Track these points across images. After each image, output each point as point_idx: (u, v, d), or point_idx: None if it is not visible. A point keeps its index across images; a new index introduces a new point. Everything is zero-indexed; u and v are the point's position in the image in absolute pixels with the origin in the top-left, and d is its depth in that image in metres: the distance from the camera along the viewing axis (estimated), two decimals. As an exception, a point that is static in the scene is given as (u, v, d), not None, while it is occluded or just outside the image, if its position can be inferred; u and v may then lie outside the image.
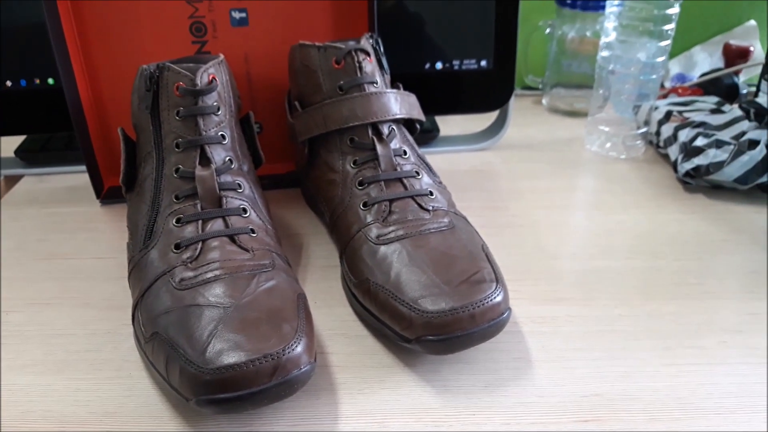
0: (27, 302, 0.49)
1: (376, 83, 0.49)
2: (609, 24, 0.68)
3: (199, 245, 0.42)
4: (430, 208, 0.47)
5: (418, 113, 0.52)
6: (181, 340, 0.36)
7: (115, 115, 0.62)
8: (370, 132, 0.49)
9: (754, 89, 0.84)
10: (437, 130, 0.75)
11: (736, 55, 0.83)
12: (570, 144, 0.76)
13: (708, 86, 0.81)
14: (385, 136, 0.49)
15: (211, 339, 0.36)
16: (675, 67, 0.89)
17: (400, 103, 0.50)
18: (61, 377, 0.42)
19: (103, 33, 0.59)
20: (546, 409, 0.39)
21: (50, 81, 0.65)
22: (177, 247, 0.42)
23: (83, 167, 0.69)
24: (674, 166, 0.66)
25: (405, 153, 0.49)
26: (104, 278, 0.52)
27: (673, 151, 0.67)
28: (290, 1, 0.60)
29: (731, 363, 0.42)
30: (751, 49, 0.83)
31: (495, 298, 0.40)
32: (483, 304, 0.39)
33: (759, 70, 0.79)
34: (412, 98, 0.52)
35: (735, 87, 0.80)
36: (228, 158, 0.46)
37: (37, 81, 0.65)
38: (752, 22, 0.86)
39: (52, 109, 0.66)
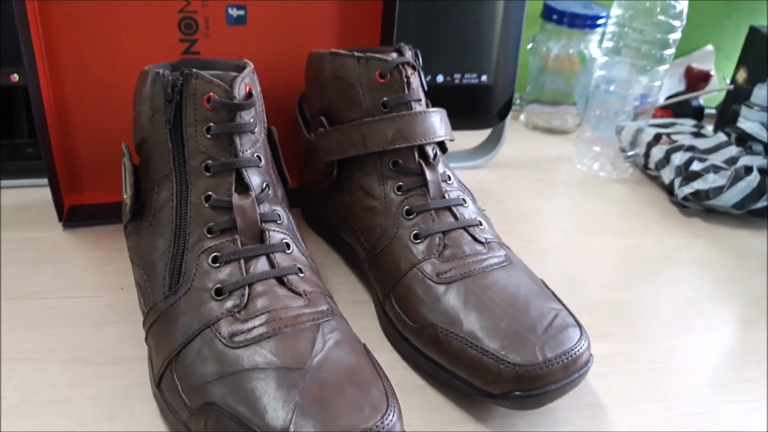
0: (-3, 358, 0.39)
1: (421, 101, 0.45)
2: (607, 44, 0.67)
3: (246, 290, 0.35)
4: (483, 240, 0.43)
5: (451, 133, 0.48)
6: (252, 414, 0.30)
7: (81, 123, 0.52)
8: (416, 155, 0.44)
9: (713, 111, 0.88)
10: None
11: (698, 78, 0.87)
12: (559, 162, 0.75)
13: (676, 108, 0.83)
14: (431, 160, 0.44)
15: (293, 414, 0.30)
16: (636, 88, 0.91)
17: (444, 124, 0.46)
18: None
19: (71, 24, 0.49)
20: (638, 463, 0.36)
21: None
22: (218, 293, 0.35)
23: (33, 181, 0.58)
24: (670, 188, 0.67)
25: (449, 178, 0.45)
26: (90, 323, 0.43)
27: (667, 174, 0.67)
28: (294, 1, 0.54)
29: (791, 399, 0.42)
30: (712, 73, 0.87)
31: (583, 345, 0.37)
32: (574, 354, 0.36)
33: (723, 94, 0.82)
34: (446, 116, 0.48)
35: (701, 109, 0.83)
36: (265, 184, 0.40)
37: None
38: (710, 47, 0.90)
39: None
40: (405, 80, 0.44)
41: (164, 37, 0.52)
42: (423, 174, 0.43)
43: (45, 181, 0.55)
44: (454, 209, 0.44)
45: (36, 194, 0.57)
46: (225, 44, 0.54)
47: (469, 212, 0.44)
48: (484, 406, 0.39)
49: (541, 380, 0.35)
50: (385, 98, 0.44)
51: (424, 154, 0.44)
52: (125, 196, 0.41)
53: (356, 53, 0.44)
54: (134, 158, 0.42)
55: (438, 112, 0.45)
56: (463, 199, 0.45)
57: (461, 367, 0.37)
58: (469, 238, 0.43)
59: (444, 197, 0.44)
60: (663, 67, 0.66)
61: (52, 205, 0.53)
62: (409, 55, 0.45)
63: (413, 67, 0.44)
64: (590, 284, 0.53)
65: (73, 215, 0.53)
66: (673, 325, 0.49)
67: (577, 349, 0.36)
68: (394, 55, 0.45)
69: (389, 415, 0.31)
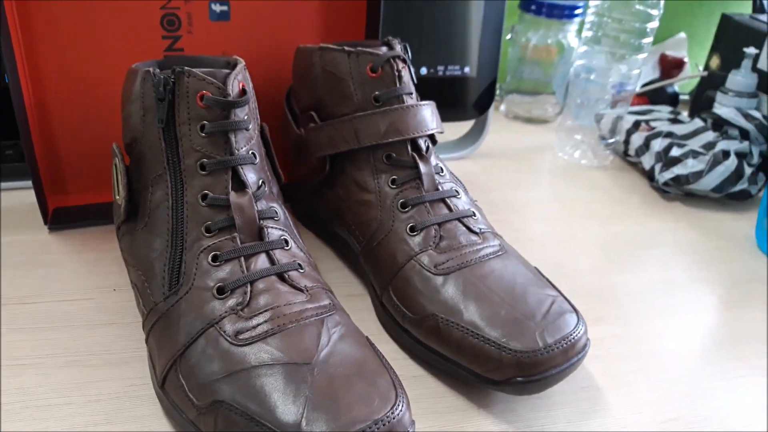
0: (-8, 365, 0.38)
1: (413, 94, 0.45)
2: (587, 33, 0.68)
3: (248, 288, 0.35)
4: (478, 230, 0.43)
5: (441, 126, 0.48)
6: (263, 410, 0.30)
7: (64, 124, 0.51)
8: (409, 148, 0.44)
9: (686, 97, 0.90)
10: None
11: (671, 66, 0.89)
12: (541, 151, 0.76)
13: (652, 95, 0.85)
14: (424, 152, 0.45)
15: (304, 408, 0.30)
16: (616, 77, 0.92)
17: (435, 117, 0.46)
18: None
19: (52, 24, 0.48)
20: (637, 442, 0.38)
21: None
22: (220, 291, 0.35)
23: (15, 184, 0.57)
24: (650, 174, 0.68)
25: (442, 171, 0.45)
26: (84, 325, 0.42)
27: (647, 160, 0.69)
28: (278, -4, 0.53)
29: (777, 375, 0.44)
30: (685, 60, 0.88)
31: (580, 329, 0.38)
32: (573, 338, 0.37)
33: (695, 81, 0.84)
34: (436, 109, 0.48)
35: (676, 96, 0.85)
36: (261, 181, 0.39)
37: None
38: (682, 34, 0.92)
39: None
40: (396, 74, 0.44)
41: (147, 34, 0.51)
42: (417, 167, 0.44)
43: (28, 183, 0.54)
44: (448, 201, 0.44)
45: (19, 197, 0.56)
46: (208, 40, 0.53)
47: (462, 203, 0.45)
48: (485, 392, 0.40)
49: (542, 365, 0.36)
50: (376, 92, 0.44)
51: (416, 147, 0.45)
52: (117, 197, 0.41)
53: (346, 48, 0.44)
54: (125, 158, 0.41)
55: (429, 104, 0.46)
56: (456, 191, 0.45)
57: (463, 355, 0.37)
58: (464, 228, 0.43)
59: (438, 189, 0.44)
60: (641, 56, 0.67)
61: (36, 207, 0.52)
62: (399, 48, 0.45)
63: (404, 61, 0.44)
64: (579, 271, 0.54)
65: (59, 217, 0.52)
66: (662, 307, 0.50)
67: (575, 334, 0.37)
68: (384, 49, 0.45)
69: (399, 405, 0.31)
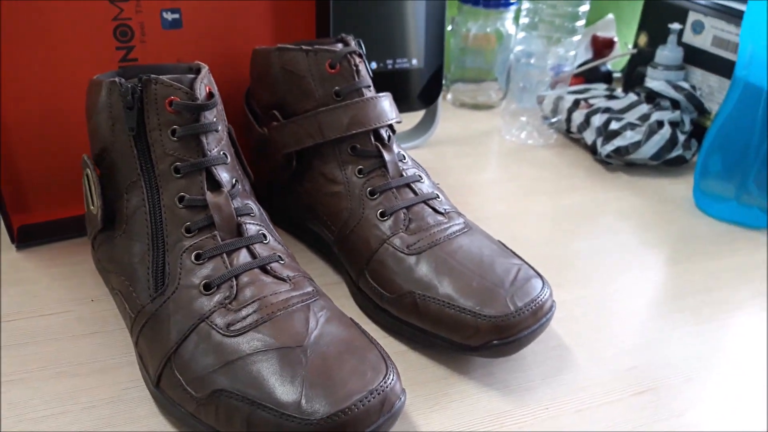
0: (-21, 384, 0.39)
1: (371, 87, 0.47)
2: (524, 20, 0.72)
3: (234, 282, 0.37)
4: (443, 211, 0.46)
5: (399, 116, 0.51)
6: (263, 393, 0.32)
7: (23, 141, 0.51)
8: (372, 139, 0.46)
9: (619, 74, 0.96)
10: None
11: (603, 46, 0.94)
12: (489, 136, 0.79)
13: (587, 75, 0.90)
14: (387, 142, 0.47)
15: (302, 387, 0.32)
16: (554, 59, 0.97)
17: (394, 108, 0.48)
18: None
19: (4, 42, 0.48)
20: (604, 389, 0.41)
21: None
22: (207, 287, 0.36)
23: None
24: (593, 148, 0.72)
25: (404, 158, 0.48)
26: (68, 338, 0.43)
27: (589, 136, 0.73)
28: (228, 1, 0.55)
29: (718, 319, 0.48)
30: (615, 39, 0.94)
31: (546, 292, 0.41)
32: (540, 300, 0.40)
33: (626, 59, 0.89)
34: (393, 100, 0.50)
35: (610, 74, 0.90)
36: (234, 179, 0.41)
37: None
38: (611, 15, 0.98)
39: None
40: (354, 68, 0.46)
41: (100, 46, 0.51)
42: (381, 156, 0.46)
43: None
44: (413, 185, 0.46)
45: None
46: (162, 49, 0.54)
47: (426, 187, 0.47)
48: (464, 359, 0.42)
49: (515, 327, 0.39)
50: (337, 87, 0.46)
51: (379, 137, 0.47)
52: (92, 208, 0.41)
53: (304, 47, 0.46)
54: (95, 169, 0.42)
55: (386, 96, 0.48)
56: (420, 176, 0.47)
57: (441, 327, 0.40)
58: (430, 210, 0.46)
59: (402, 175, 0.46)
60: (576, 38, 0.71)
61: (1, 227, 0.52)
62: (354, 44, 0.47)
63: (360, 56, 0.46)
64: (536, 242, 0.57)
65: (25, 235, 0.52)
66: (615, 269, 0.54)
67: (542, 297, 0.40)
68: (340, 45, 0.47)
69: (389, 375, 0.33)
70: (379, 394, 0.32)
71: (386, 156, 0.46)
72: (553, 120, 0.76)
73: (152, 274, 0.37)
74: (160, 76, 0.38)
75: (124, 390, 0.39)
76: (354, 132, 0.45)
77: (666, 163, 0.71)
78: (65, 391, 0.38)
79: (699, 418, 0.39)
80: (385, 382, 0.33)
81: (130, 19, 0.52)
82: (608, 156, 0.70)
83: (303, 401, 0.31)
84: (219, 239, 0.38)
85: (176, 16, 0.53)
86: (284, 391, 0.32)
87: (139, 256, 0.38)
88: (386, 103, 0.47)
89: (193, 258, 0.37)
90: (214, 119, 0.40)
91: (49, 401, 0.38)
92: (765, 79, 0.55)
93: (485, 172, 0.70)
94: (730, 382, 0.42)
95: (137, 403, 0.38)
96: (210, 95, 0.40)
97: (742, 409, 0.40)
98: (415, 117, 0.75)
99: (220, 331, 0.35)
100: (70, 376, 0.40)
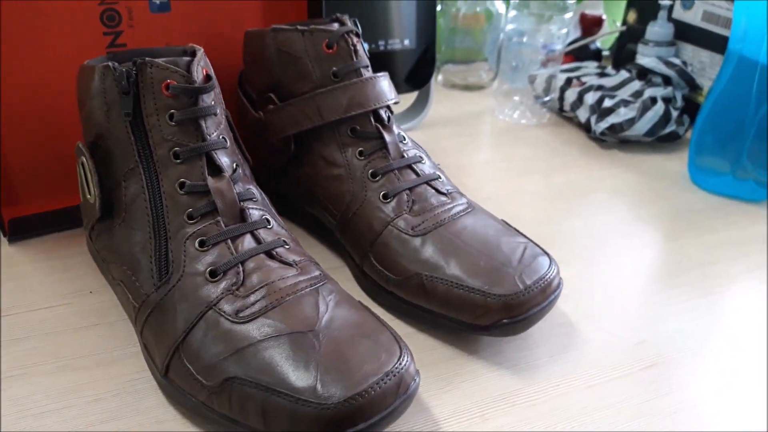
0: (-21, 381, 0.38)
1: (369, 67, 0.46)
2: (515, -1, 0.71)
3: (240, 268, 0.36)
4: (446, 191, 0.46)
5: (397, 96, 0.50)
6: (277, 379, 0.31)
7: (10, 132, 0.49)
8: (372, 120, 0.46)
9: (607, 53, 0.96)
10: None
11: (591, 24, 0.93)
12: (482, 116, 0.79)
13: (577, 53, 0.89)
14: (387, 122, 0.46)
15: (317, 370, 0.31)
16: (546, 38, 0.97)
17: (392, 87, 0.47)
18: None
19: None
20: (613, 363, 0.41)
21: None
22: (213, 274, 0.35)
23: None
24: (587, 126, 0.72)
25: (404, 139, 0.47)
26: (67, 331, 0.42)
27: (582, 114, 0.73)
28: (217, -18, 0.53)
29: (717, 292, 0.48)
30: (604, 17, 0.93)
31: (554, 270, 0.41)
32: (549, 278, 0.40)
33: (614, 36, 0.89)
34: (390, 80, 0.49)
35: (599, 52, 0.90)
36: (235, 164, 0.40)
37: None
38: (598, -7, 0.97)
39: None
40: (352, 48, 0.45)
41: (87, 32, 0.50)
42: (382, 137, 0.45)
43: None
44: (414, 166, 0.46)
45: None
46: (150, 33, 0.53)
47: (427, 168, 0.47)
48: (471, 339, 0.42)
49: (525, 306, 0.38)
50: (334, 68, 0.45)
51: (379, 118, 0.46)
52: (89, 197, 0.40)
53: (299, 27, 0.45)
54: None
55: (384, 75, 0.47)
56: (420, 156, 0.47)
57: (450, 307, 0.40)
58: (433, 191, 0.45)
59: (403, 156, 0.46)
60: (567, 15, 0.71)
61: (-10, 221, 0.50)
62: (350, 24, 0.46)
63: (357, 35, 0.45)
64: (534, 221, 0.57)
65: (16, 228, 0.51)
66: (614, 245, 0.54)
67: (550, 274, 0.40)
68: (336, 25, 0.46)
69: (404, 356, 0.33)
70: (394, 375, 0.32)
71: (387, 137, 0.45)
72: (546, 99, 0.76)
73: (155, 262, 0.37)
74: (155, 59, 0.37)
75: (129, 381, 0.38)
76: (354, 113, 0.45)
77: (659, 140, 0.71)
78: (68, 385, 0.38)
79: (706, 389, 0.39)
80: (399, 364, 0.32)
81: (117, 3, 0.50)
82: (602, 133, 0.70)
83: (318, 386, 0.31)
84: (222, 225, 0.37)
85: (164, -1, 0.52)
86: (299, 376, 0.31)
87: (141, 245, 0.37)
88: (385, 83, 0.47)
89: (197, 245, 0.36)
90: (213, 102, 0.39)
91: (52, 396, 0.37)
92: (759, 53, 0.55)
93: (479, 153, 0.69)
94: (733, 355, 0.42)
95: (144, 394, 0.37)
96: (207, 78, 0.39)
97: (744, 382, 0.40)
98: (407, 99, 0.74)
99: (229, 317, 0.34)
100: (73, 370, 0.39)
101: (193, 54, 0.41)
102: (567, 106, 0.76)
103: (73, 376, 0.38)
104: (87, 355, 0.40)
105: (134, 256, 0.38)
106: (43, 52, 0.49)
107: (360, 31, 0.47)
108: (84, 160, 0.40)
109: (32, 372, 0.38)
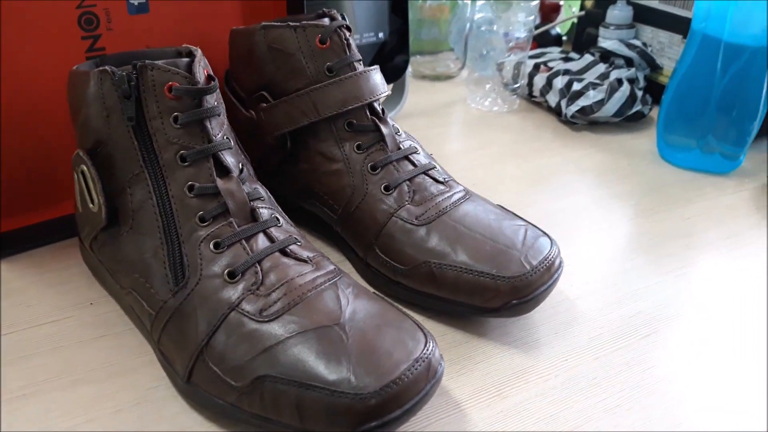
0: (-9, 402, 0.37)
1: (361, 61, 0.47)
2: (482, -12, 0.73)
3: (258, 267, 0.36)
4: (443, 180, 0.47)
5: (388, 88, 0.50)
6: (309, 374, 0.32)
7: (-11, 142, 0.48)
8: (368, 113, 0.46)
9: (566, 37, 0.98)
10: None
11: (550, 10, 0.96)
12: (455, 105, 0.80)
13: (539, 39, 0.92)
14: (382, 115, 0.47)
15: (348, 362, 0.32)
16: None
17: (383, 80, 0.48)
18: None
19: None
20: (613, 335, 0.43)
21: None
22: (231, 275, 0.35)
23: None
24: (557, 110, 0.75)
25: (398, 130, 0.48)
26: (74, 344, 0.41)
27: (552, 98, 0.75)
28: (194, -18, 0.52)
29: (701, 261, 0.51)
30: (561, 3, 0.96)
31: (555, 249, 0.42)
32: (552, 257, 0.41)
33: (571, 22, 0.92)
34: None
35: (560, 37, 0.92)
36: (241, 164, 0.40)
37: None
38: (554, -20, 1.00)
39: None
40: (345, 42, 0.45)
41: (65, 37, 0.49)
42: (379, 130, 0.46)
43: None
44: (411, 157, 0.47)
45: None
46: (130, 36, 0.52)
47: (422, 158, 0.48)
48: (478, 323, 0.43)
49: (532, 286, 0.40)
50: (328, 63, 0.45)
51: (374, 111, 0.47)
52: (91, 206, 0.39)
53: (291, 23, 0.45)
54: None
55: (376, 69, 0.48)
56: (415, 147, 0.48)
57: (460, 292, 0.41)
58: (431, 180, 0.46)
59: (400, 148, 0.46)
60: (534, 3, 0.72)
61: (-26, 238, 0.48)
62: (340, 18, 0.46)
63: (349, 29, 0.46)
64: (519, 205, 0.59)
65: (5, 244, 0.49)
66: (597, 222, 0.56)
67: (552, 254, 0.42)
68: (326, 20, 0.46)
69: (429, 342, 0.34)
70: (424, 361, 0.33)
71: (383, 129, 0.46)
72: (515, 86, 0.78)
73: (170, 267, 0.36)
74: (156, 62, 0.37)
75: (148, 390, 0.38)
76: (350, 107, 0.45)
77: (626, 119, 0.74)
78: (86, 399, 0.37)
79: (706, 352, 0.42)
80: (426, 349, 0.33)
81: (95, 6, 0.49)
82: (573, 116, 0.73)
83: (352, 377, 0.31)
84: (236, 226, 0.37)
85: (143, 0, 0.51)
86: (331, 369, 0.32)
87: (152, 251, 0.37)
88: (377, 76, 0.47)
89: (212, 247, 0.36)
90: (216, 103, 0.39)
91: (68, 412, 0.36)
92: (722, 31, 0.58)
93: (457, 141, 0.71)
94: (723, 319, 0.45)
95: (164, 402, 0.37)
96: (209, 78, 0.38)
97: (737, 343, 0.43)
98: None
99: (253, 317, 0.34)
100: (87, 383, 0.38)
101: (188, 55, 0.41)
102: (536, 92, 0.78)
103: (89, 389, 0.38)
104: (99, 367, 0.39)
105: (146, 263, 0.37)
106: (21, 60, 0.47)
107: (349, 24, 0.47)
108: (84, 168, 0.39)
109: (45, 389, 0.38)
